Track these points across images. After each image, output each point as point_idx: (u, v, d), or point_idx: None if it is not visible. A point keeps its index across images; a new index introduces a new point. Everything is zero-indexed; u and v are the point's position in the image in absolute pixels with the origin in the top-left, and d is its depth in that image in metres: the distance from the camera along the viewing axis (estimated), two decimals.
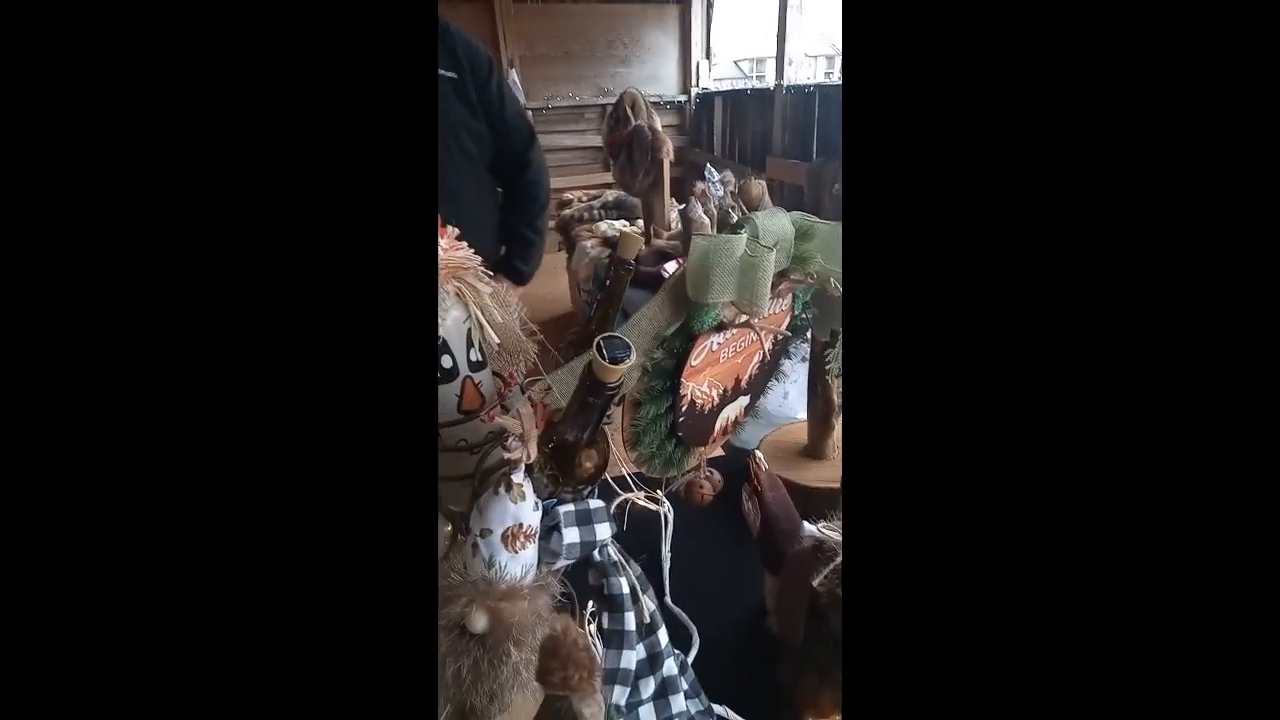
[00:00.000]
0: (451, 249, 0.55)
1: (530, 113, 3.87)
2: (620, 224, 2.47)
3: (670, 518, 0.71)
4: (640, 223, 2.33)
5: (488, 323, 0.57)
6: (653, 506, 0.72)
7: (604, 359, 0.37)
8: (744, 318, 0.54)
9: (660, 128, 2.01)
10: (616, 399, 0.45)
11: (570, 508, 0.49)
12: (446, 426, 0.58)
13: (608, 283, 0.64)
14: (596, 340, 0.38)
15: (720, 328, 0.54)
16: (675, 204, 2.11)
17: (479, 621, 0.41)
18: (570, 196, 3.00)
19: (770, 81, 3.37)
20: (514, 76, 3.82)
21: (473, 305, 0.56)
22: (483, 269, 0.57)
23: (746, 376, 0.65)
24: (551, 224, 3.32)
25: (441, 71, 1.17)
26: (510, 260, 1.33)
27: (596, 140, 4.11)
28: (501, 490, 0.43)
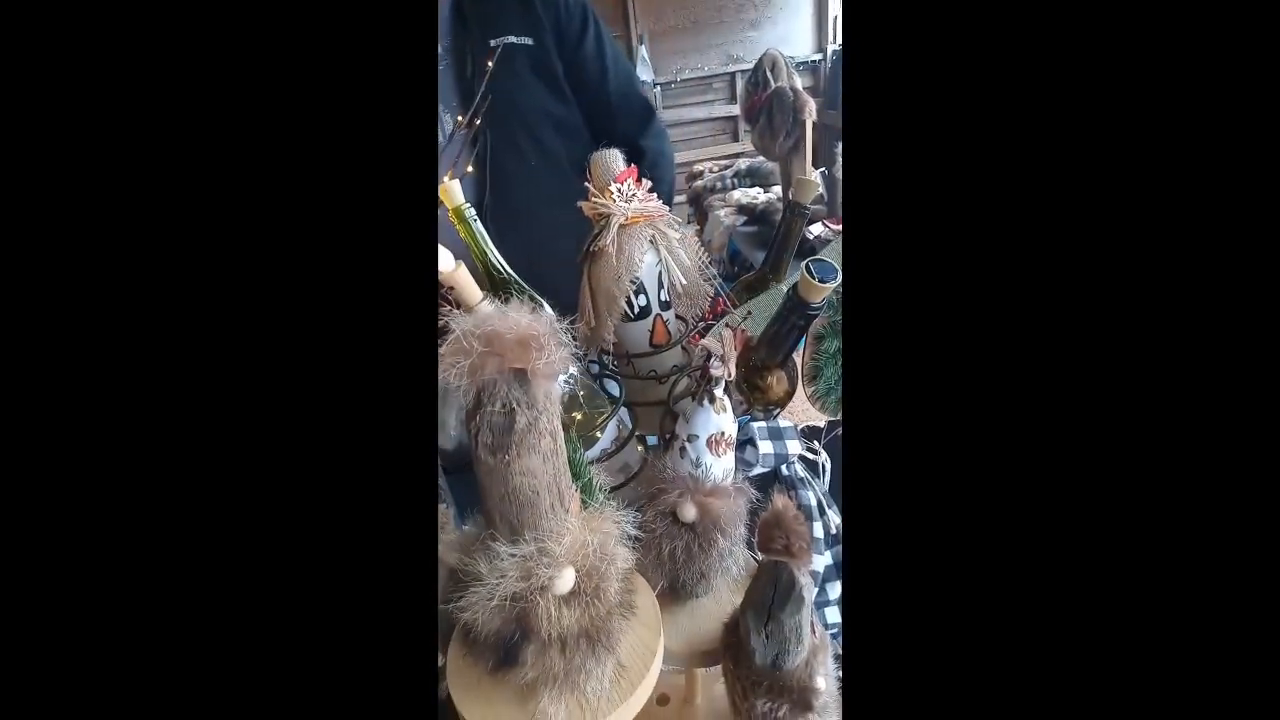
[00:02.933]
0: (645, 200, 0.62)
1: (659, 88, 3.93)
2: (754, 191, 2.45)
3: (829, 468, 0.73)
4: (776, 189, 2.30)
5: (676, 265, 0.63)
6: (811, 456, 0.75)
7: (812, 278, 0.41)
8: None
9: (802, 88, 1.96)
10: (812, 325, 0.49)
11: (763, 424, 0.54)
12: (639, 357, 0.65)
13: (782, 228, 0.68)
14: (805, 262, 0.42)
15: None
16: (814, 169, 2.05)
17: (689, 512, 0.48)
18: (701, 168, 3.02)
19: None
20: (643, 53, 3.86)
21: (663, 250, 0.62)
22: (673, 217, 0.62)
23: None
24: (681, 197, 3.36)
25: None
26: None
27: (725, 111, 4.05)
28: (705, 403, 0.49)
